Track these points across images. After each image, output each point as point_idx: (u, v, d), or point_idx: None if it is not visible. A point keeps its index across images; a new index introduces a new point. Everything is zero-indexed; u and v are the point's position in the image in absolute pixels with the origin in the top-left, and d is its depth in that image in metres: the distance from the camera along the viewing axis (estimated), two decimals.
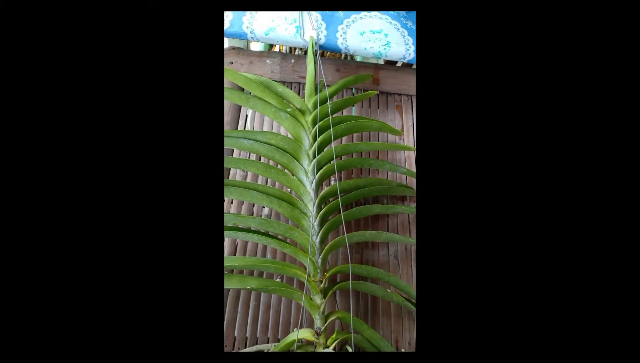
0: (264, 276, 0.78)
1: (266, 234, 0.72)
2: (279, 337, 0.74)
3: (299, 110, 0.77)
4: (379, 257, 0.84)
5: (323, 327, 0.66)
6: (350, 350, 0.66)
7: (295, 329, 0.70)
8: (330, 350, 0.61)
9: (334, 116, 0.76)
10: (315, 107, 0.77)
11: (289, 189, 0.81)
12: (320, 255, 0.70)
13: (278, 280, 0.76)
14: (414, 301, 0.74)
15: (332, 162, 0.74)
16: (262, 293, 0.79)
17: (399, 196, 0.89)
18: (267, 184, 0.80)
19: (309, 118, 0.77)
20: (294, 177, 0.74)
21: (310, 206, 0.72)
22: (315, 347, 0.66)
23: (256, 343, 0.75)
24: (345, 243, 0.70)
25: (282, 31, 0.87)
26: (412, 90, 1.02)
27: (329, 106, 0.75)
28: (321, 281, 0.69)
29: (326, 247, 0.71)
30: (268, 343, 0.75)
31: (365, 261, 0.83)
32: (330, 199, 0.77)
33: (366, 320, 0.78)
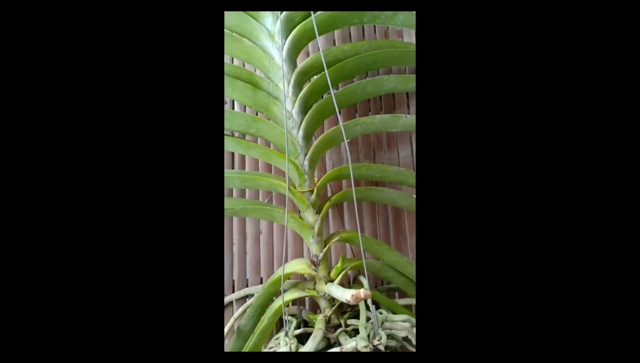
0: (233, 196, 0.58)
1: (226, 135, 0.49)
2: None
3: None
4: (398, 158, 0.60)
5: (321, 254, 0.45)
6: (364, 280, 0.45)
7: (296, 260, 0.50)
8: (334, 285, 0.41)
9: None
10: None
11: (250, 66, 0.56)
12: (306, 156, 0.47)
13: (266, 202, 0.56)
14: None
15: (311, 17, 0.47)
16: (246, 225, 0.59)
17: None
18: None
19: None
20: (253, 44, 0.48)
21: (283, 86, 0.47)
22: (316, 282, 0.46)
23: (246, 286, 0.57)
24: (343, 138, 0.45)
25: None
26: None
27: None
28: (311, 192, 0.46)
29: (314, 144, 0.47)
30: (261, 284, 0.57)
31: None
32: (315, 77, 0.52)
33: (388, 241, 0.57)
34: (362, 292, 0.33)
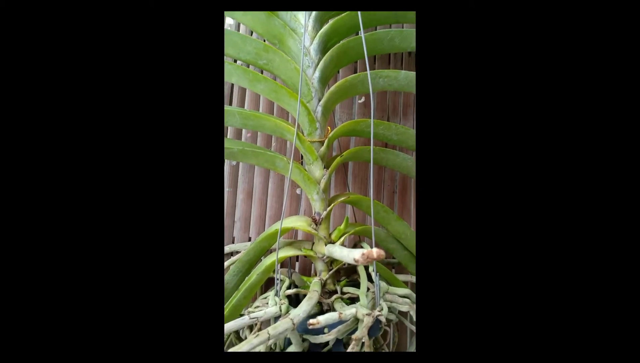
0: (228, 135, 0.52)
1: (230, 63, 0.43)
2: None
3: None
4: (414, 126, 0.55)
5: (324, 213, 0.40)
6: (369, 249, 0.41)
7: (295, 217, 0.44)
8: (337, 246, 0.37)
9: None
10: None
11: None
12: (320, 101, 0.41)
13: (271, 150, 0.50)
14: None
15: None
16: (238, 178, 0.54)
17: None
18: None
19: None
20: None
21: (302, 18, 0.41)
22: (314, 242, 0.42)
23: (232, 243, 0.53)
24: (369, 86, 0.39)
25: None
26: None
27: None
28: (321, 143, 0.41)
29: (331, 89, 0.41)
30: (249, 241, 0.53)
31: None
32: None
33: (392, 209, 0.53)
34: (374, 252, 0.28)
